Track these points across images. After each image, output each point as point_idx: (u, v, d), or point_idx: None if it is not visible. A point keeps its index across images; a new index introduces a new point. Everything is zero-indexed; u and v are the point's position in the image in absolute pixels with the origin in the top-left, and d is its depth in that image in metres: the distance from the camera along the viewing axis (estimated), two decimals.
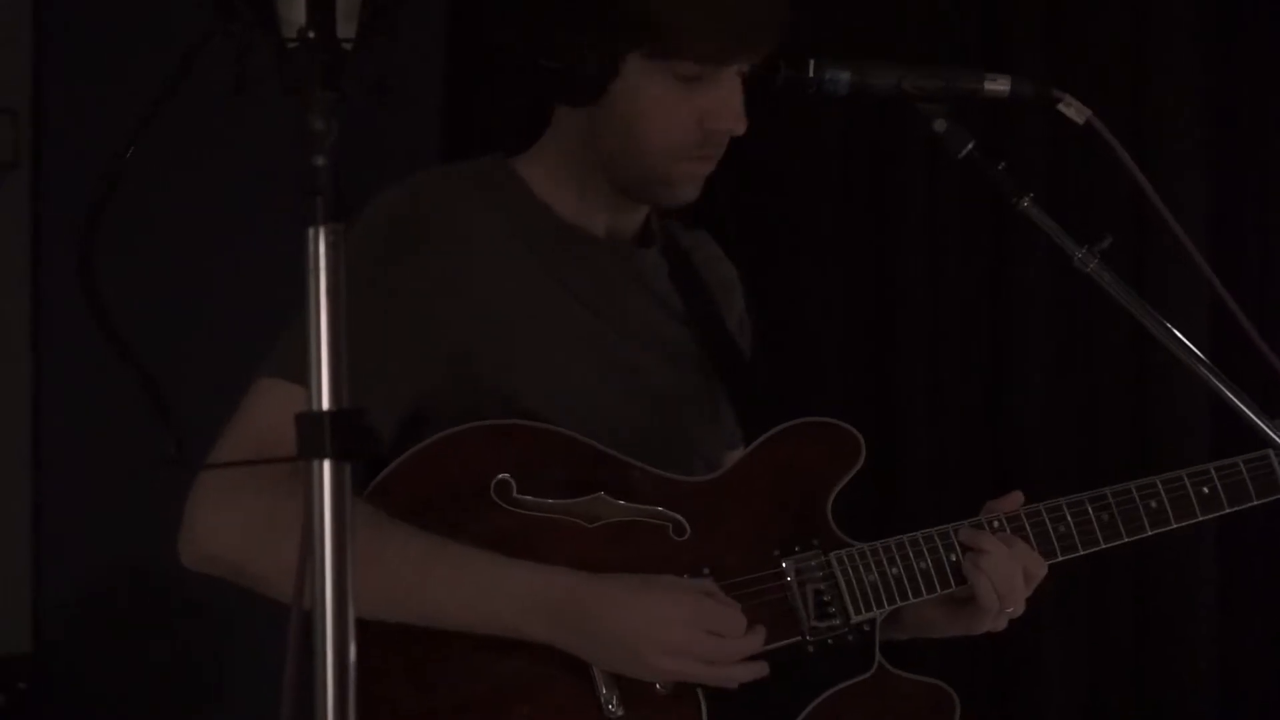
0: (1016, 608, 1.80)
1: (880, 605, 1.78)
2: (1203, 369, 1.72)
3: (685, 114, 1.73)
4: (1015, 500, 1.84)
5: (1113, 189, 3.13)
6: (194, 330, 3.28)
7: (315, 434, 1.09)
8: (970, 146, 1.72)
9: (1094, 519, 1.82)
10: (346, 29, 1.14)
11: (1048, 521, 1.82)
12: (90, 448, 3.39)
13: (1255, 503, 1.86)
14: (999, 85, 1.73)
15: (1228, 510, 1.86)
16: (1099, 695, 3.22)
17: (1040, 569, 1.80)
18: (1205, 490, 1.85)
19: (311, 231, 1.11)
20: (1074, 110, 1.70)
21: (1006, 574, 1.77)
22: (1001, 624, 1.82)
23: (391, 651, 1.65)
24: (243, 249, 3.22)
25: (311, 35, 1.11)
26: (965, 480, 3.14)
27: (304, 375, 1.61)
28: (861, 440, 1.81)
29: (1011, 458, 3.18)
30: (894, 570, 1.78)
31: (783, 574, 1.76)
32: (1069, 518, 1.82)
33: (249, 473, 1.65)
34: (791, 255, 3.26)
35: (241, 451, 1.67)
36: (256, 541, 1.64)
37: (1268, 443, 1.76)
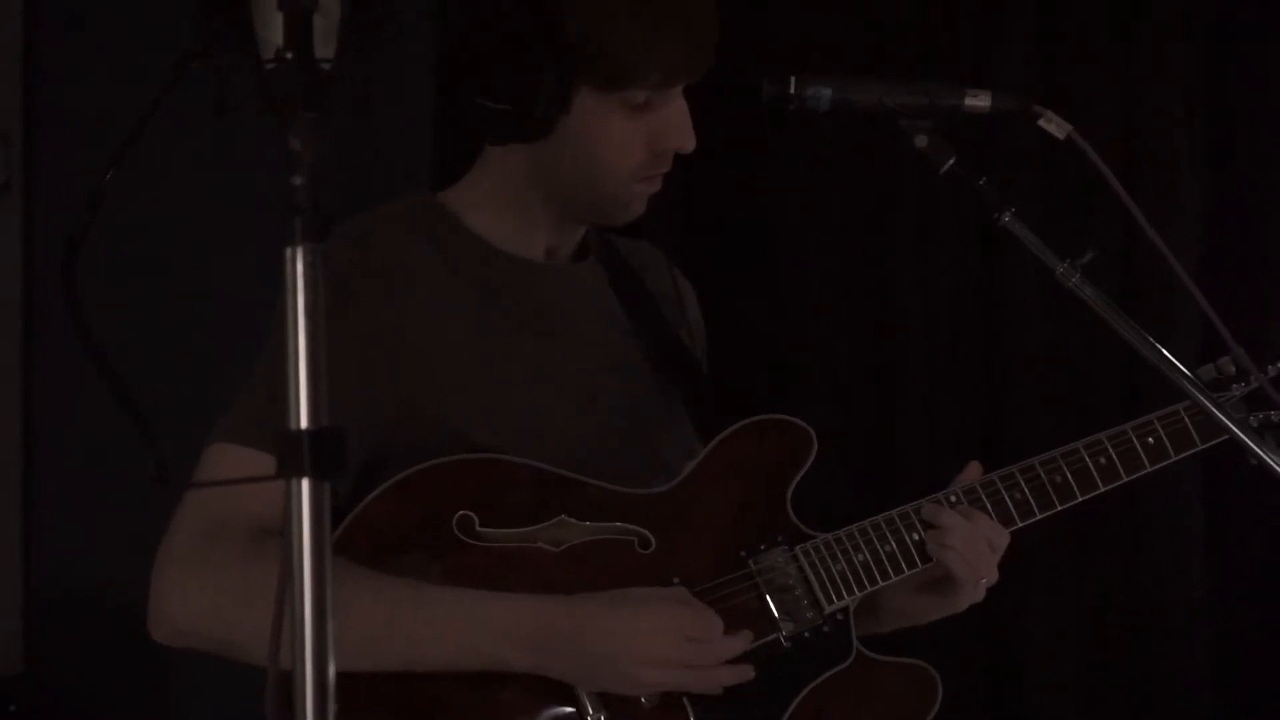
0: (990, 577, 1.84)
1: (851, 592, 1.80)
2: (1186, 384, 1.72)
3: (637, 139, 1.75)
4: (975, 472, 1.87)
5: (1107, 195, 3.14)
6: (179, 349, 3.28)
7: (294, 452, 1.09)
8: (952, 162, 1.72)
9: (1046, 482, 1.86)
10: (325, 49, 1.14)
11: (1002, 490, 1.85)
12: (82, 468, 3.40)
13: (1200, 448, 1.90)
14: (980, 101, 1.74)
15: (1174, 458, 1.89)
16: (1091, 684, 3.23)
17: (1002, 537, 1.83)
18: (1150, 440, 1.88)
19: (290, 251, 1.11)
20: (1054, 126, 1.71)
21: (971, 545, 1.81)
22: (980, 594, 1.85)
23: (371, 691, 1.64)
24: (228, 269, 3.22)
25: (289, 56, 1.12)
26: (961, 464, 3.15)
27: (257, 438, 1.64)
28: (813, 433, 1.82)
29: (1007, 443, 3.19)
30: (860, 556, 1.80)
31: (751, 574, 1.78)
32: (1022, 483, 1.85)
33: (214, 542, 1.64)
34: (787, 257, 3.27)
35: (202, 520, 1.66)
36: (232, 609, 1.63)
37: (1265, 468, 1.77)
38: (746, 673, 1.72)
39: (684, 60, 1.74)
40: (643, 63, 1.71)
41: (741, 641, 1.72)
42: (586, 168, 1.76)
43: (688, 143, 1.77)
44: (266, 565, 1.60)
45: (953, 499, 1.84)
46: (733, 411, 1.88)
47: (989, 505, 1.84)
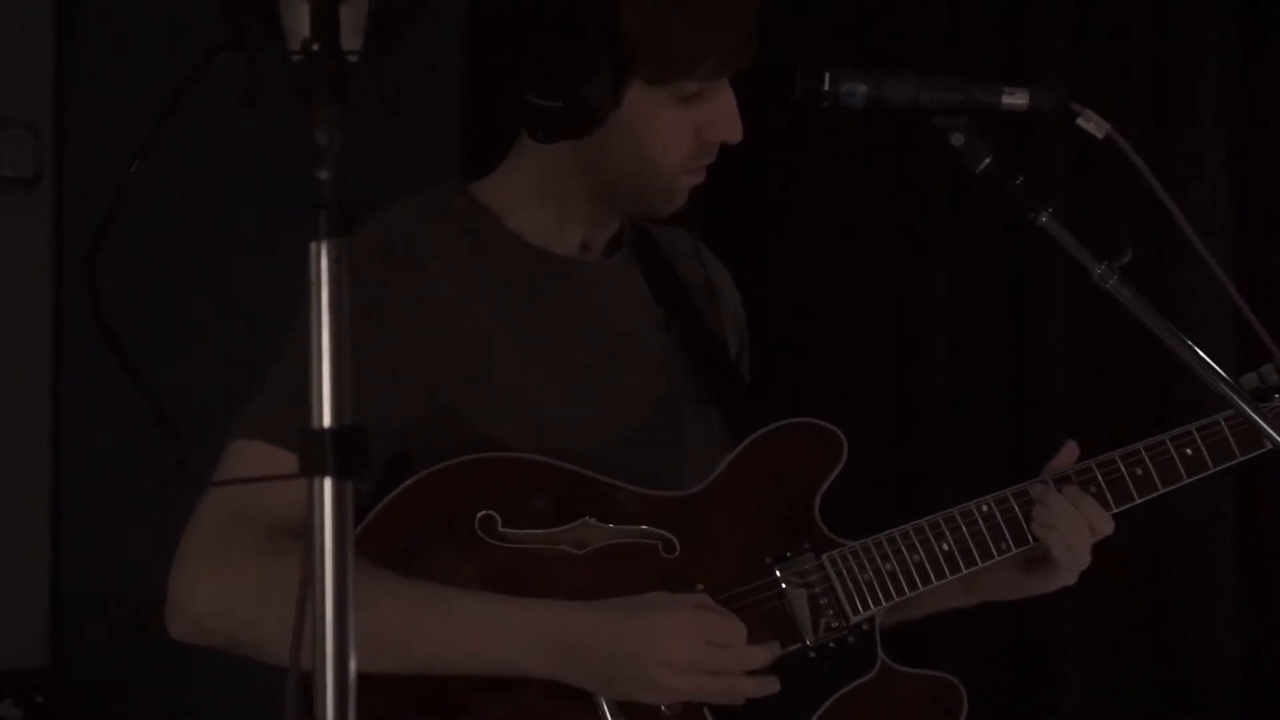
0: (1084, 561, 1.82)
1: (877, 602, 1.77)
2: (1224, 387, 1.69)
3: (686, 130, 1.74)
4: (1071, 454, 1.85)
5: (1137, 199, 3.11)
6: (203, 345, 3.28)
7: (317, 451, 1.07)
8: (988, 160, 1.70)
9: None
10: (352, 41, 1.13)
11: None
12: (109, 461, 3.39)
13: (1239, 459, 1.87)
14: (1017, 99, 1.71)
15: (1213, 469, 1.86)
16: (1117, 692, 3.20)
17: (1107, 523, 1.82)
18: (1189, 452, 1.85)
19: (314, 246, 1.10)
20: (1093, 124, 1.68)
21: (1075, 528, 1.80)
22: (1073, 578, 1.84)
23: (391, 695, 1.62)
24: (253, 263, 3.22)
25: (315, 47, 1.10)
26: (987, 477, 3.12)
27: (278, 434, 1.63)
28: (843, 438, 1.80)
29: (1034, 454, 3.15)
30: (888, 566, 1.77)
31: (777, 582, 1.75)
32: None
33: (233, 539, 1.63)
34: (813, 259, 3.25)
35: (221, 516, 1.64)
36: (250, 607, 1.62)
37: None
38: (771, 685, 1.70)
39: (737, 50, 1.72)
40: (698, 54, 1.69)
41: (767, 651, 1.70)
42: (633, 161, 1.74)
43: (735, 133, 1.75)
44: (283, 563, 1.58)
45: (1065, 478, 1.83)
46: (758, 414, 1.85)
47: (1104, 485, 1.83)
